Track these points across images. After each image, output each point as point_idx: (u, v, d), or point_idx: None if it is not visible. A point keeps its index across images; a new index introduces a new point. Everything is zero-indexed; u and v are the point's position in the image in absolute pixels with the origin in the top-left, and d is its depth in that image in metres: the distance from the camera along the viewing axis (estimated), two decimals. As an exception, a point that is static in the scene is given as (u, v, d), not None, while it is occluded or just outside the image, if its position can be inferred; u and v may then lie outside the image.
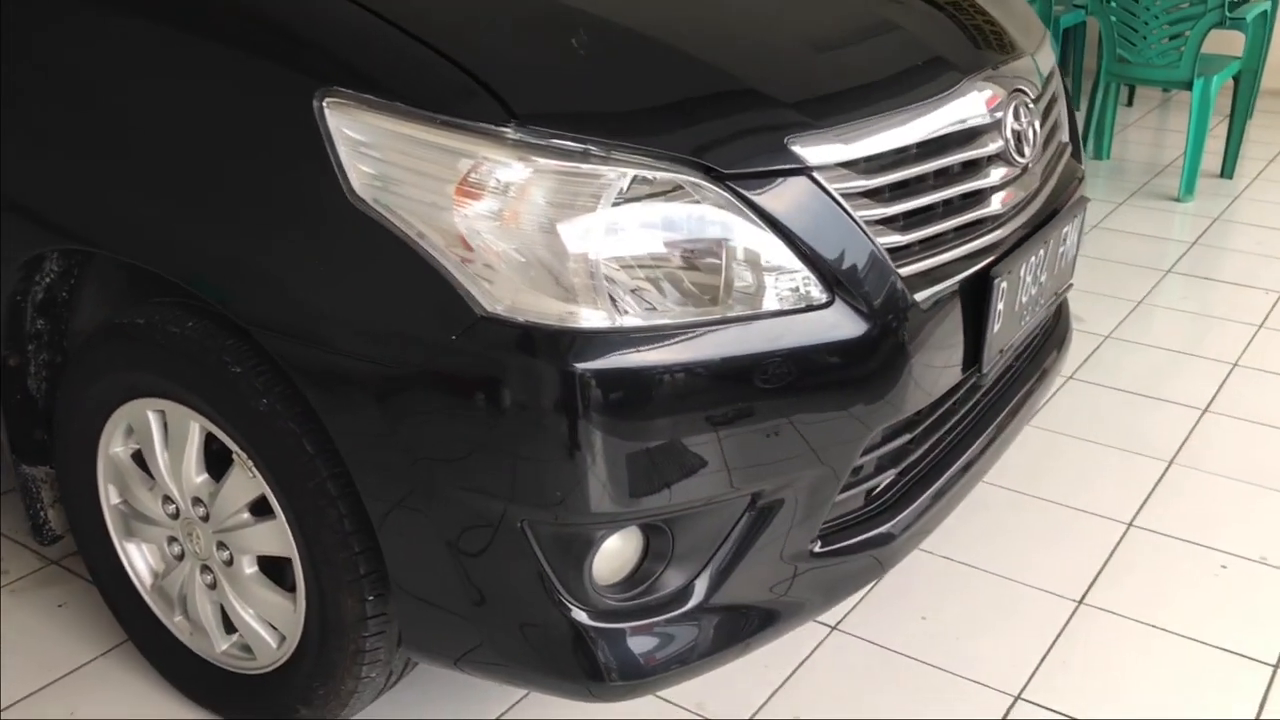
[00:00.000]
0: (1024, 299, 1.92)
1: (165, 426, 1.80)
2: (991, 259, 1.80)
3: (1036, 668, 2.08)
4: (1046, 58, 2.17)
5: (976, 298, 1.77)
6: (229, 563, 1.81)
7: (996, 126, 1.85)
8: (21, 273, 1.81)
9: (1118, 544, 2.42)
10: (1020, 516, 2.51)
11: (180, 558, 1.90)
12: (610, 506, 1.47)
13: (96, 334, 1.83)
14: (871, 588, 2.26)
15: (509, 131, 1.42)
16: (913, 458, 1.85)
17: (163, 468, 1.82)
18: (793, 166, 1.55)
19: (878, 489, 1.81)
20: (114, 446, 1.89)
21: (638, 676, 1.58)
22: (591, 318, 1.42)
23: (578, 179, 1.43)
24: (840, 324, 1.57)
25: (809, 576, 1.69)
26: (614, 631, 1.56)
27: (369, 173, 1.44)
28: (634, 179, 1.45)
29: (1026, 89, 1.95)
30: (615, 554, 1.57)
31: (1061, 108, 2.21)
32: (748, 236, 1.51)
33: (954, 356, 1.78)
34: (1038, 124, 1.97)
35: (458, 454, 1.47)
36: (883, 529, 1.77)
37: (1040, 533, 2.46)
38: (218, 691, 1.92)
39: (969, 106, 1.79)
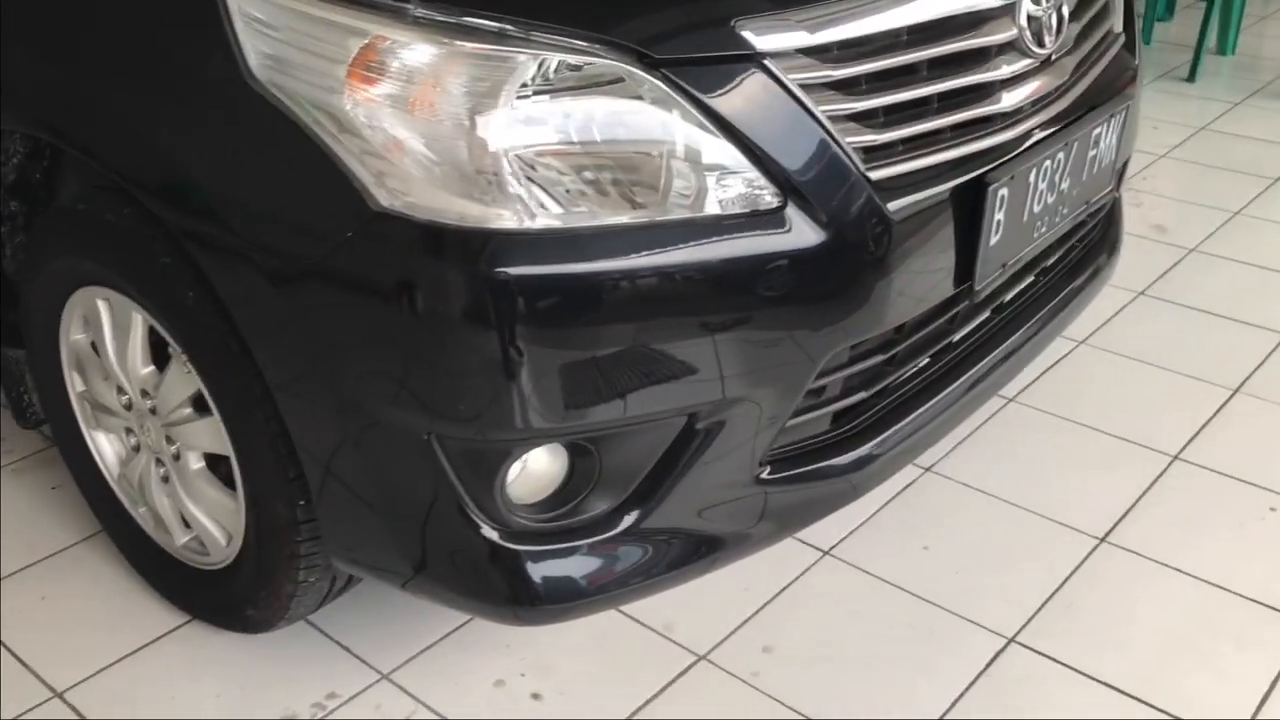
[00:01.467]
0: (1035, 208, 1.72)
1: (113, 316, 1.75)
2: (994, 163, 1.61)
3: (1038, 609, 1.93)
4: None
5: (970, 206, 1.59)
6: (177, 457, 1.77)
7: (1008, 11, 1.63)
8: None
9: (1157, 478, 2.23)
10: (1053, 442, 2.33)
11: (137, 449, 1.86)
12: (517, 422, 1.36)
13: (47, 219, 1.78)
14: (876, 512, 2.13)
15: (410, 7, 1.29)
16: (891, 379, 1.68)
17: (112, 358, 1.78)
18: (740, 53, 1.38)
19: (846, 412, 1.66)
20: (74, 334, 1.85)
21: (562, 601, 1.49)
22: (497, 217, 1.30)
23: (489, 63, 1.30)
24: (790, 232, 1.42)
25: (754, 504, 1.56)
26: (536, 553, 1.47)
27: (265, 52, 1.33)
28: (554, 64, 1.31)
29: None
30: (539, 473, 1.47)
31: None
32: (684, 132, 1.36)
33: (940, 271, 1.61)
34: (1065, 8, 1.74)
35: (358, 358, 1.38)
36: (847, 456, 1.62)
37: (1073, 462, 2.28)
38: (178, 585, 1.90)
39: (970, -9, 1.58)
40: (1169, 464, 2.26)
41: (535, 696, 1.77)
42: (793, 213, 1.42)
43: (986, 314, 1.86)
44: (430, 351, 1.33)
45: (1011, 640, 1.87)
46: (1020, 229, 1.71)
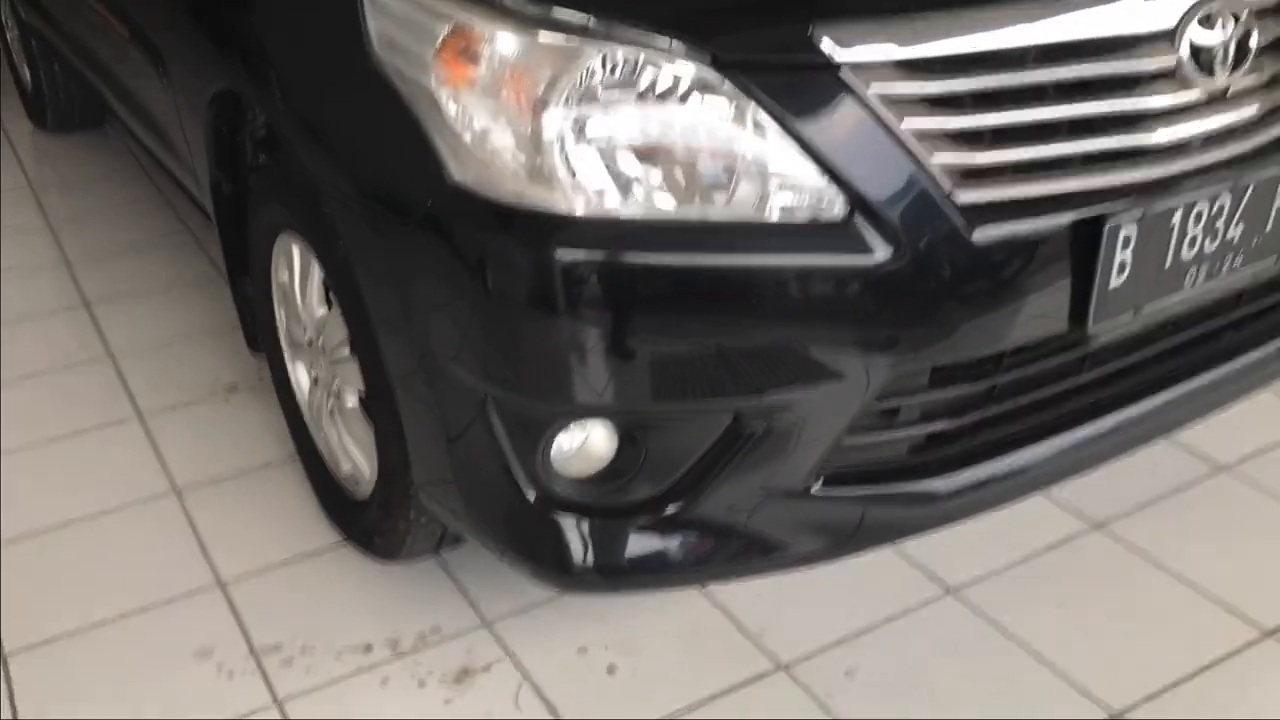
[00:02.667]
0: (1186, 254, 1.59)
1: (300, 260, 1.97)
2: (1122, 199, 1.50)
3: (1158, 692, 1.77)
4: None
5: (1085, 244, 1.49)
6: (339, 394, 1.97)
7: (1167, 37, 1.51)
8: (214, 108, 2.03)
9: (1366, 581, 1.97)
10: (1259, 523, 2.11)
11: (316, 383, 2.09)
12: (557, 394, 1.43)
13: (259, 170, 2.03)
14: (1024, 560, 2.02)
15: (501, -2, 1.39)
16: (984, 414, 1.61)
17: (298, 297, 2.00)
18: (816, 61, 1.38)
19: (939, 440, 1.61)
20: (281, 274, 2.10)
21: (600, 574, 1.56)
22: (554, 202, 1.38)
23: (564, 55, 1.38)
24: (852, 246, 1.41)
25: (803, 515, 1.55)
26: (578, 525, 1.54)
27: (382, 32, 1.48)
28: (626, 60, 1.37)
29: (1240, -5, 1.57)
30: (591, 450, 1.53)
31: None
32: (749, 135, 1.38)
33: (1043, 307, 1.52)
34: (1255, 38, 1.58)
35: (433, 315, 1.50)
36: (916, 486, 1.57)
37: (1274, 548, 2.05)
38: (338, 509, 2.11)
39: (1108, 11, 1.48)
40: (1389, 567, 2.00)
41: (610, 669, 1.84)
42: (859, 227, 1.40)
43: (1132, 359, 1.72)
44: (485, 319, 1.43)
45: (1117, 718, 1.73)
46: (1161, 274, 1.58)
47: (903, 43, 1.40)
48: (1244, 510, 2.15)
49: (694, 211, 1.39)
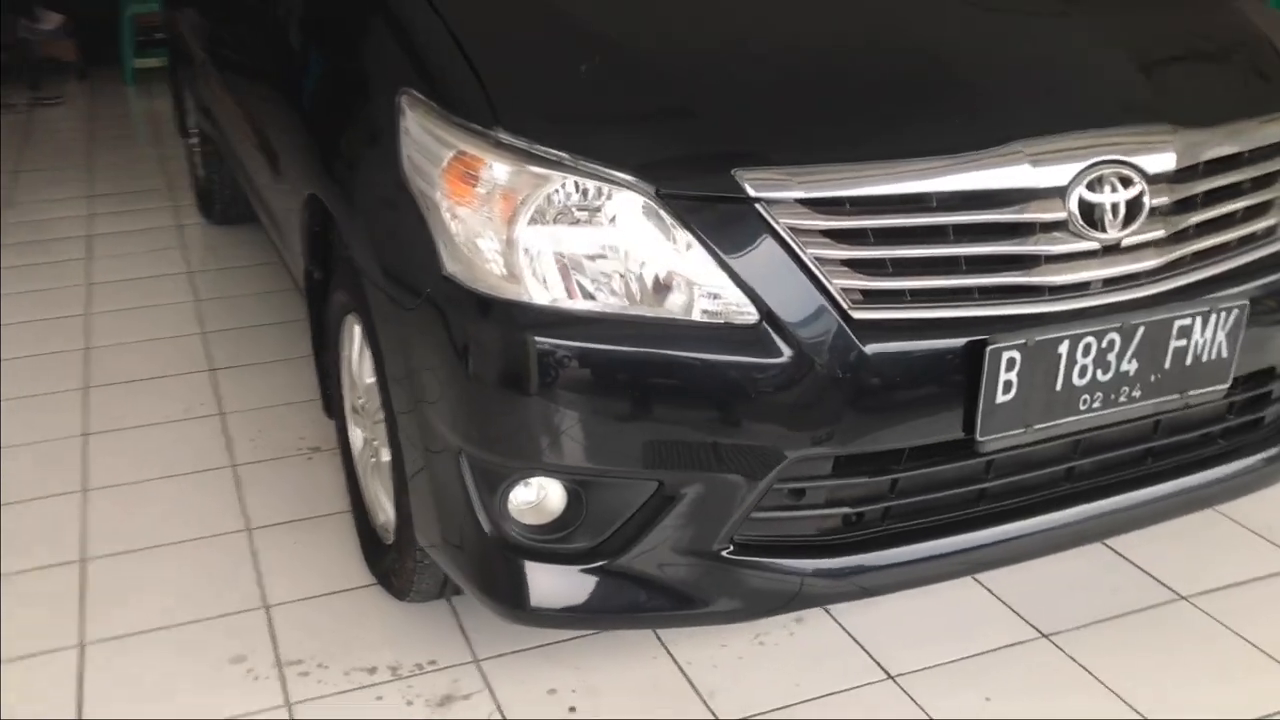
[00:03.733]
0: (1078, 381, 1.82)
1: (358, 337, 2.36)
2: (1008, 329, 1.76)
3: (1056, 780, 1.94)
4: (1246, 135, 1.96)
5: (971, 363, 1.75)
6: (376, 452, 2.33)
7: (1058, 194, 1.78)
8: (309, 209, 2.45)
9: (1290, 709, 2.10)
10: (1202, 652, 2.24)
11: (366, 443, 2.45)
12: (510, 454, 1.75)
13: (339, 262, 2.43)
14: (968, 657, 2.20)
15: (493, 133, 1.76)
16: (881, 506, 1.85)
17: (354, 368, 2.38)
18: (735, 196, 1.69)
19: (839, 523, 1.85)
20: (346, 349, 2.48)
21: (550, 612, 1.84)
22: (525, 296, 1.72)
23: (540, 181, 1.72)
24: (757, 348, 1.70)
25: (715, 576, 1.81)
26: (529, 566, 1.84)
27: (410, 156, 1.86)
28: (582, 188, 1.71)
29: (1132, 162, 1.82)
30: (542, 503, 1.83)
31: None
32: (682, 254, 1.70)
33: (934, 415, 1.77)
34: (1148, 199, 1.82)
35: (428, 383, 1.84)
36: (808, 563, 1.82)
37: (1211, 677, 2.19)
38: (373, 553, 2.45)
39: (1002, 170, 1.76)
40: (1317, 700, 2.11)
41: (571, 709, 2.10)
42: (767, 332, 1.69)
43: (1044, 474, 1.94)
44: (458, 384, 1.77)
45: (1009, 798, 1.91)
46: (1053, 396, 1.81)
47: (808, 187, 1.71)
48: (1192, 639, 2.28)
49: (633, 310, 1.71)
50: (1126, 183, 1.82)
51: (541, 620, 1.87)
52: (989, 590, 2.41)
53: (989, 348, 1.73)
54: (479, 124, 1.76)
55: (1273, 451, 2.14)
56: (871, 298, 1.73)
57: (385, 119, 1.92)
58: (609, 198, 1.71)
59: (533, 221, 1.71)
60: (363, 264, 2.02)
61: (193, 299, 3.98)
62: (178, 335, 3.68)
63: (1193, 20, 2.28)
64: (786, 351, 1.69)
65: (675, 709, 2.10)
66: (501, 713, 2.09)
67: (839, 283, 1.71)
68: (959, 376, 1.75)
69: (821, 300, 1.70)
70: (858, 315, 1.71)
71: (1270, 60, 2.19)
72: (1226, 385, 1.96)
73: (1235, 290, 1.92)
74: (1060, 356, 1.79)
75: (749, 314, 1.70)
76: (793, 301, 1.70)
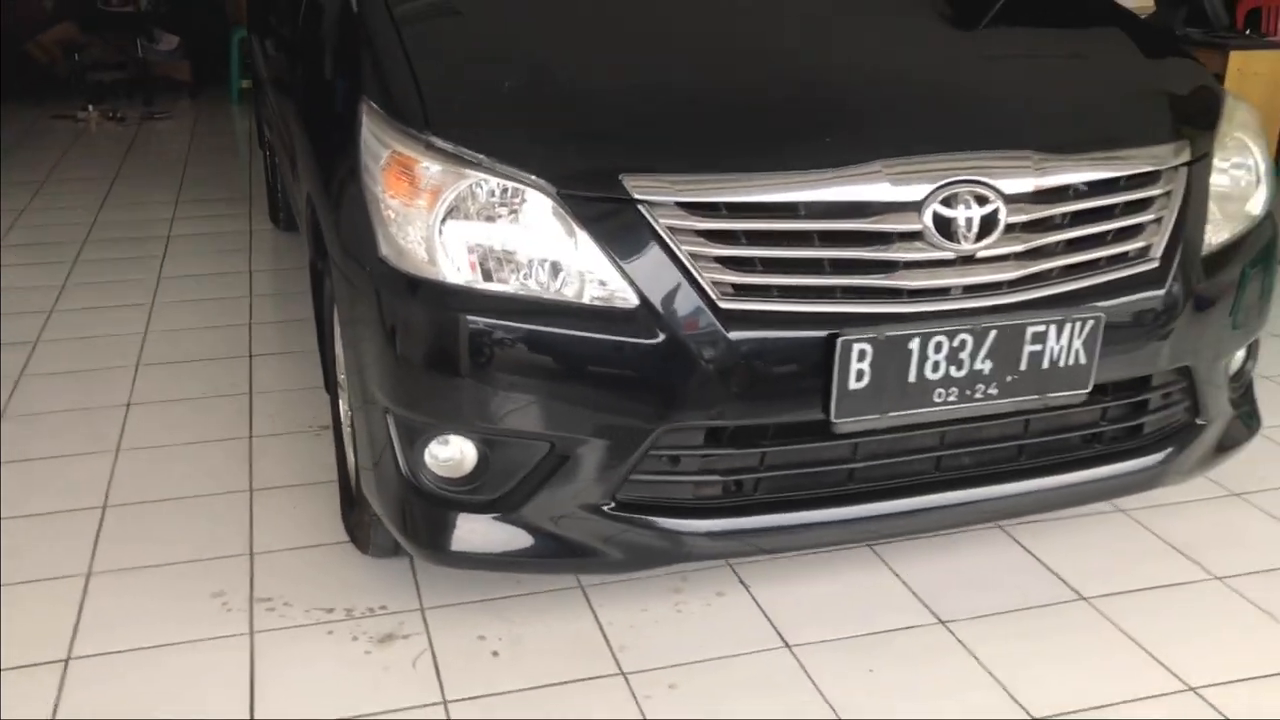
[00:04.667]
0: (932, 375, 2.03)
1: (341, 319, 2.66)
2: (864, 324, 1.98)
3: (909, 739, 2.14)
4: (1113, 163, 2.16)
5: (826, 352, 1.98)
6: (353, 420, 2.63)
7: (915, 208, 2.00)
8: (308, 207, 2.78)
9: (1154, 696, 2.26)
10: (1090, 648, 2.41)
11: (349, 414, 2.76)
12: (426, 414, 2.04)
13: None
14: (865, 635, 2.41)
15: (424, 137, 2.05)
16: (749, 476, 2.08)
17: (339, 346, 2.69)
18: (621, 198, 1.96)
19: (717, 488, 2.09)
20: (332, 330, 2.79)
21: (459, 554, 2.12)
22: (439, 275, 2.01)
23: (458, 179, 2.02)
24: (636, 329, 1.96)
25: (601, 529, 2.06)
26: (445, 514, 2.11)
27: (364, 160, 2.16)
28: (496, 186, 2.00)
29: (990, 183, 2.03)
30: (454, 458, 2.11)
31: (1125, 221, 2.17)
32: (574, 245, 1.97)
33: (793, 397, 2.00)
34: (1003, 217, 2.04)
35: (366, 351, 2.14)
36: (677, 523, 2.05)
37: (1088, 667, 2.36)
38: (346, 511, 2.75)
39: (863, 185, 1.99)
40: (1179, 692, 2.27)
41: (495, 654, 2.37)
42: (645, 316, 1.95)
43: (910, 458, 2.15)
44: (386, 353, 2.06)
45: (863, 751, 2.11)
46: (906, 388, 2.02)
47: (685, 193, 1.96)
48: (1082, 635, 2.44)
49: (533, 292, 1.98)
50: (982, 201, 2.03)
51: (450, 560, 2.14)
52: (900, 579, 2.61)
53: (840, 339, 1.96)
54: (414, 129, 2.06)
55: (1154, 458, 2.30)
56: (743, 291, 1.97)
57: (351, 125, 2.23)
58: (517, 196, 1.99)
59: (452, 213, 2.00)
60: (331, 250, 2.33)
61: (247, 294, 4.37)
62: (228, 325, 4.06)
63: (1091, 56, 2.48)
64: (661, 334, 1.95)
65: (587, 659, 2.35)
66: (432, 651, 2.37)
67: (711, 276, 1.96)
68: (817, 364, 1.98)
69: (693, 291, 1.95)
70: (725, 305, 1.96)
71: (1160, 93, 2.38)
72: (1086, 390, 2.14)
73: (1092, 302, 2.11)
74: (911, 352, 2.00)
75: (630, 300, 1.96)
76: (668, 291, 1.95)
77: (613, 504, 2.07)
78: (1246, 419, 2.58)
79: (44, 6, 8.15)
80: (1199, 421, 2.38)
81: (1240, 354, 2.53)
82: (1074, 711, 2.21)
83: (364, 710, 2.20)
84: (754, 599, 2.54)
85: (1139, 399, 2.28)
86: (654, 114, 2.11)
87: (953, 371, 2.04)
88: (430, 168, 2.02)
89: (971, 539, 2.75)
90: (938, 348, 2.01)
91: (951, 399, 2.06)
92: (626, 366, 1.96)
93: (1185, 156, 2.26)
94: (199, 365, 3.74)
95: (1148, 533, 2.81)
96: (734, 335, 1.95)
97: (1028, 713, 2.21)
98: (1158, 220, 2.21)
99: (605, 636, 2.42)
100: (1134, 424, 2.32)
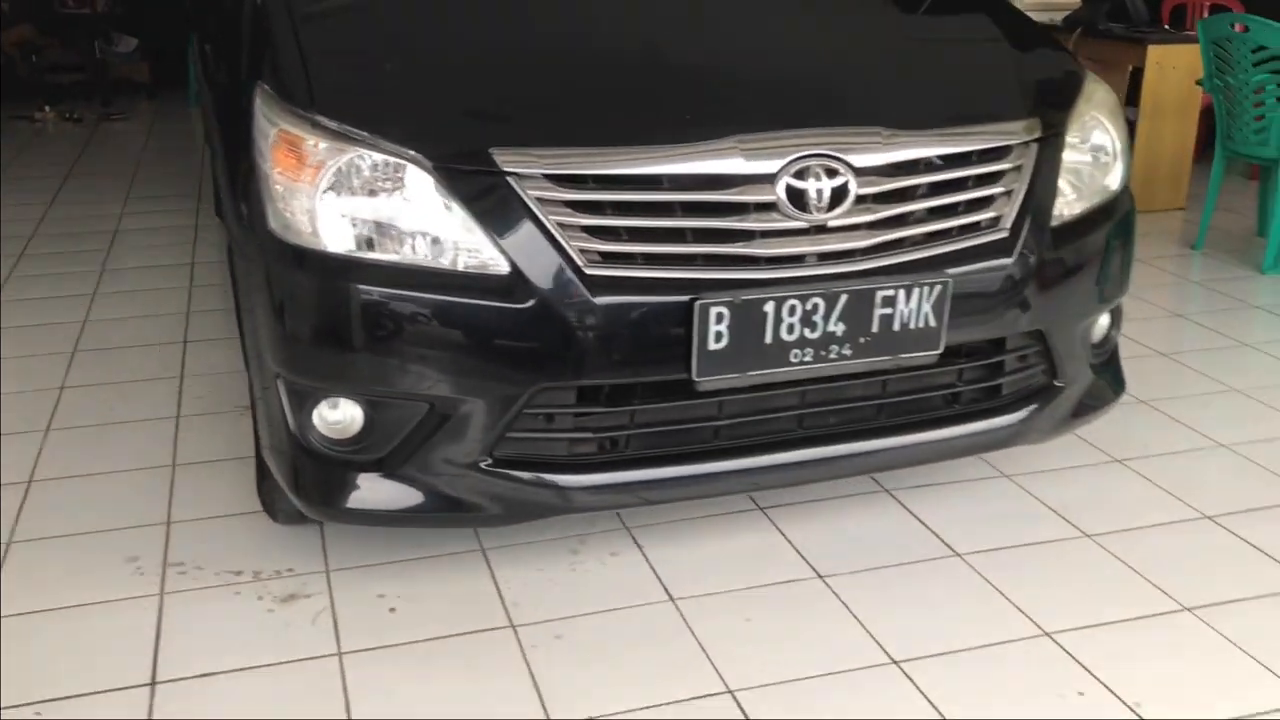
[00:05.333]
0: (787, 337, 2.17)
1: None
2: (723, 290, 2.12)
3: (777, 683, 2.27)
4: (964, 139, 2.30)
5: (685, 315, 2.11)
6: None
7: (769, 180, 2.14)
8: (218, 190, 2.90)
9: (1007, 641, 2.40)
10: (959, 597, 2.55)
11: (261, 388, 2.88)
12: (308, 378, 2.16)
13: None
14: (748, 589, 2.54)
15: (309, 115, 2.18)
16: (621, 434, 2.21)
17: (249, 324, 2.82)
18: (491, 170, 2.09)
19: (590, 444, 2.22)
20: (253, 310, 2.92)
21: (348, 510, 2.25)
22: (320, 245, 2.13)
23: (339, 154, 2.14)
24: (507, 295, 2.09)
25: (479, 485, 2.19)
26: (334, 473, 2.24)
27: (254, 135, 2.29)
28: (375, 160, 2.13)
29: (842, 157, 2.17)
30: (340, 419, 2.23)
31: (979, 193, 2.32)
32: (448, 215, 2.10)
33: (657, 357, 2.13)
34: (853, 190, 2.18)
35: (259, 318, 2.26)
36: (552, 477, 2.19)
37: (959, 616, 2.50)
38: (260, 482, 2.87)
39: (718, 159, 2.13)
40: (1034, 637, 2.41)
41: (391, 610, 2.49)
42: (515, 282, 2.09)
43: (777, 416, 2.29)
44: (274, 319, 2.19)
45: (730, 691, 2.25)
46: (763, 348, 2.16)
47: (551, 166, 2.10)
48: (952, 589, 2.58)
49: (408, 260, 2.11)
50: (832, 174, 2.17)
51: (339, 517, 2.27)
52: (787, 539, 2.74)
53: (698, 303, 2.10)
54: (300, 108, 2.19)
55: (1013, 417, 2.45)
56: (609, 259, 2.11)
57: (249, 108, 2.36)
58: (395, 170, 2.12)
59: (333, 187, 2.13)
60: (231, 228, 2.46)
61: (187, 285, 4.49)
62: (166, 313, 4.18)
63: (953, 39, 2.63)
64: (531, 300, 2.08)
65: (479, 614, 2.47)
66: (333, 609, 2.49)
67: (578, 245, 2.09)
68: (680, 327, 2.11)
69: (560, 259, 2.08)
70: (591, 272, 2.09)
71: (1017, 74, 2.53)
72: (937, 352, 2.28)
73: (943, 269, 2.25)
74: (767, 315, 2.14)
75: (502, 267, 2.09)
76: (537, 259, 2.09)
77: (490, 460, 2.19)
78: (1112, 383, 2.73)
79: (1, 8, 8.23)
80: (1057, 384, 2.53)
81: (1102, 321, 2.68)
82: (932, 654, 2.35)
83: (261, 662, 2.32)
84: (646, 558, 2.67)
85: (994, 361, 2.43)
86: (525, 93, 2.25)
87: (807, 333, 2.17)
88: (314, 144, 2.15)
89: (860, 503, 2.90)
90: (792, 311, 2.15)
91: (807, 359, 2.19)
92: (498, 330, 2.09)
93: (1036, 133, 2.40)
94: (134, 351, 3.86)
95: (1028, 495, 2.95)
96: (600, 300, 2.08)
97: (889, 655, 2.35)
98: (1008, 193, 2.36)
99: (500, 594, 2.54)
100: (991, 384, 2.46)
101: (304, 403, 2.21)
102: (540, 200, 2.09)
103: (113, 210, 5.58)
